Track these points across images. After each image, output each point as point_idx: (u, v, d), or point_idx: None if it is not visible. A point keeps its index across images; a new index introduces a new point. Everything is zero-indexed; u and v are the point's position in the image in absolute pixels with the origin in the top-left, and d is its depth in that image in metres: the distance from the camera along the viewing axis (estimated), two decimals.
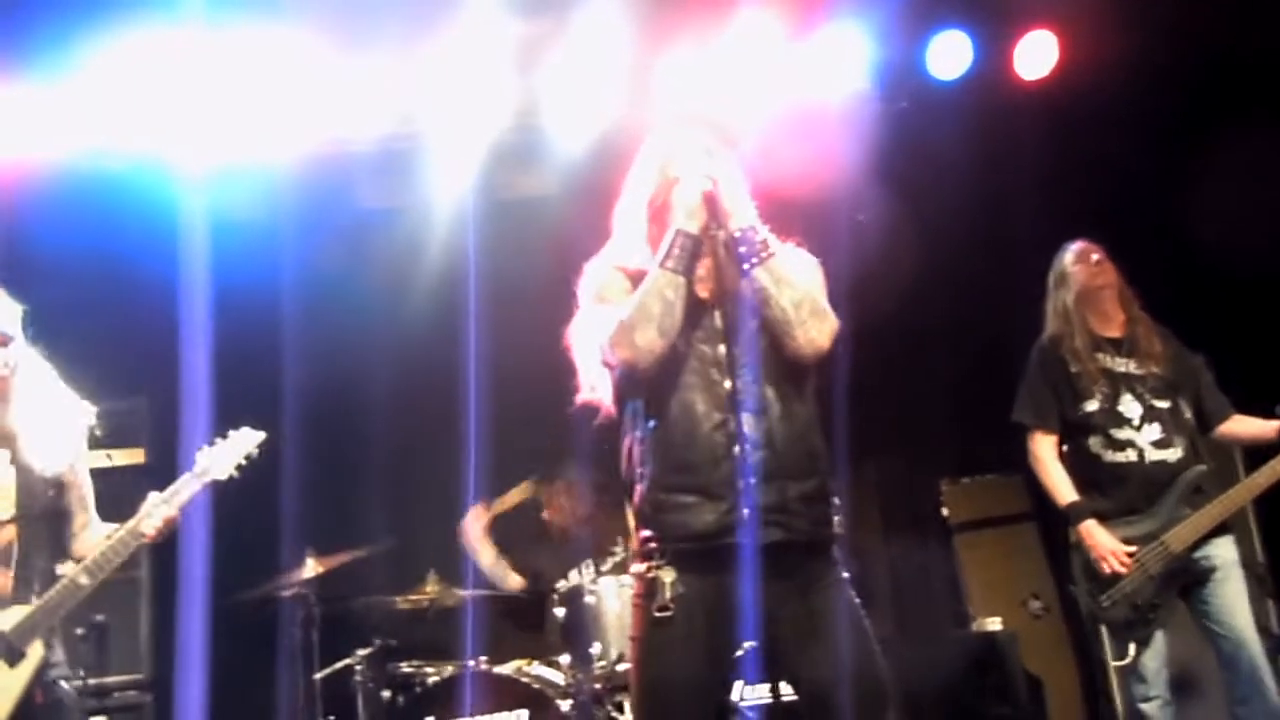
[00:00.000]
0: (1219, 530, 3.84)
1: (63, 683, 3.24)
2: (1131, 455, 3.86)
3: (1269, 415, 3.93)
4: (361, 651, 4.52)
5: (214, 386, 4.57)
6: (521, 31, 5.03)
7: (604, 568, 4.76)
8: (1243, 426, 4.00)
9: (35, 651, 3.13)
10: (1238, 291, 5.11)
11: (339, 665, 4.54)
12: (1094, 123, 5.37)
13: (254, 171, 5.09)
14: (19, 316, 3.29)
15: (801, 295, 2.62)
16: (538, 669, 4.30)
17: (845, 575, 2.71)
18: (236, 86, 4.90)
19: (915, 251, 5.60)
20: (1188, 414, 3.96)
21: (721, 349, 2.61)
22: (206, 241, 4.72)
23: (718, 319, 2.64)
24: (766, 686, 3.11)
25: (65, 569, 3.29)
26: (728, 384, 2.59)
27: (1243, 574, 3.87)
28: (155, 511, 3.27)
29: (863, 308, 5.23)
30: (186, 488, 3.34)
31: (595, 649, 4.17)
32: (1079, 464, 3.97)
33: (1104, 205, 4.91)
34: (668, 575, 2.58)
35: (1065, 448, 4.08)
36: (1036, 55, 5.43)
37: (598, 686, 4.13)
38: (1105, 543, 3.81)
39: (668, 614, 2.57)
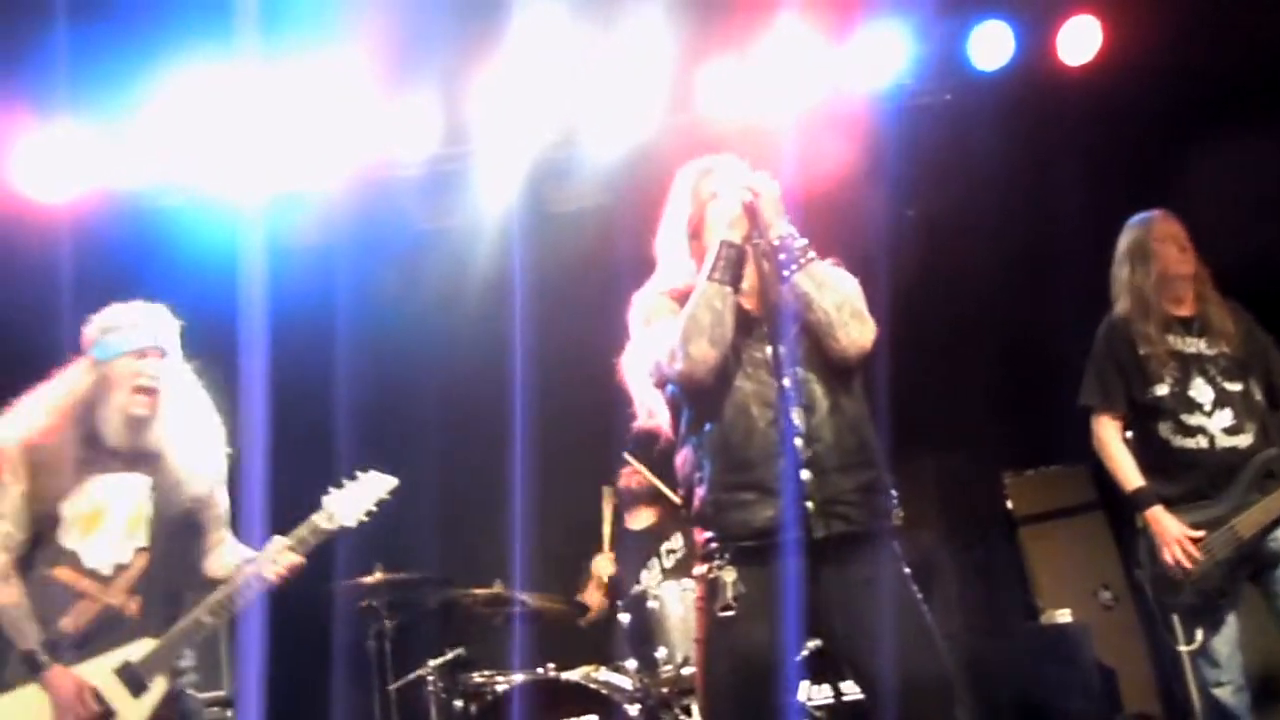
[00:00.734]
0: None
1: (190, 691, 3.30)
2: (1203, 442, 3.79)
3: None
4: (433, 662, 4.61)
5: (272, 411, 4.67)
6: (563, 45, 5.09)
7: (667, 565, 4.83)
8: None
9: (159, 686, 3.17)
10: None
11: (412, 676, 4.64)
12: (1139, 109, 5.31)
13: (309, 200, 5.21)
14: (176, 330, 3.34)
15: (842, 298, 2.71)
16: (605, 674, 4.35)
17: (906, 569, 2.74)
18: (288, 116, 5.03)
19: (963, 243, 5.58)
20: (1259, 395, 3.86)
21: (769, 351, 2.68)
22: (264, 270, 4.83)
23: (764, 325, 2.71)
24: (821, 687, 3.13)
25: (185, 587, 3.32)
26: (778, 384, 2.65)
27: None
28: (280, 558, 3.27)
29: (913, 302, 5.26)
30: (315, 534, 3.31)
31: (661, 653, 4.21)
32: (1146, 448, 3.89)
33: (1149, 193, 4.85)
34: (729, 575, 2.64)
35: (1130, 432, 3.99)
36: (1079, 41, 5.37)
37: (665, 690, 4.17)
38: (1172, 530, 3.74)
39: (730, 613, 2.62)
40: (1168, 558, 3.74)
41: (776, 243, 2.71)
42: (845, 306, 2.70)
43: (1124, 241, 4.02)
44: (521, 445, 4.87)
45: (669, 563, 4.91)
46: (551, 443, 5.07)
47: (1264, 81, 5.18)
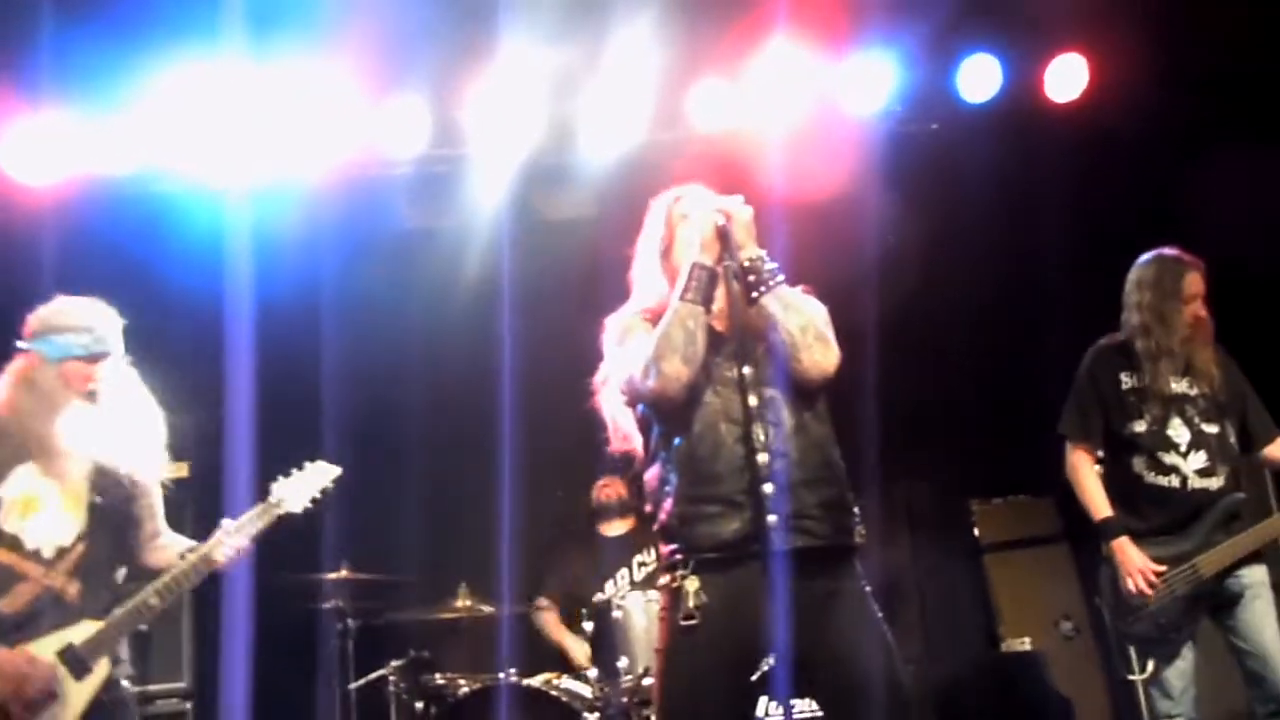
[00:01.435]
0: (1255, 557, 3.81)
1: (125, 682, 3.30)
2: (1175, 481, 3.84)
3: None
4: (395, 663, 4.62)
5: (257, 402, 4.68)
6: (556, 55, 5.13)
7: (637, 577, 4.85)
8: None
9: (102, 668, 3.19)
10: (1276, 311, 5.08)
11: (373, 676, 4.64)
12: (1124, 146, 5.38)
13: (296, 193, 5.22)
14: (120, 330, 3.38)
15: (806, 321, 2.77)
16: (567, 682, 4.37)
17: (867, 587, 2.78)
18: (279, 111, 5.04)
19: (946, 273, 5.63)
20: (1233, 438, 3.92)
21: (737, 371, 2.74)
22: (250, 261, 4.84)
23: (733, 345, 2.77)
24: (792, 701, 3.15)
25: (121, 574, 3.35)
26: (745, 401, 2.71)
27: (1272, 595, 3.84)
28: (228, 540, 3.31)
29: (890, 328, 5.32)
30: (261, 518, 3.36)
31: (623, 663, 4.24)
32: (1118, 480, 3.93)
33: (1134, 227, 4.91)
34: (691, 584, 2.67)
35: (1100, 465, 4.03)
36: (1066, 77, 5.45)
37: (625, 700, 4.19)
38: (1135, 560, 3.79)
39: (692, 622, 2.65)
40: (1129, 586, 3.79)
41: (747, 264, 2.78)
42: (810, 329, 2.76)
43: (1159, 275, 3.97)
44: (510, 450, 4.90)
45: (639, 575, 4.95)
46: (535, 448, 5.08)
47: (1246, 118, 5.26)
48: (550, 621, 5.05)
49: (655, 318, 2.82)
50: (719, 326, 2.81)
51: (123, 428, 3.35)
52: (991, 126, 5.49)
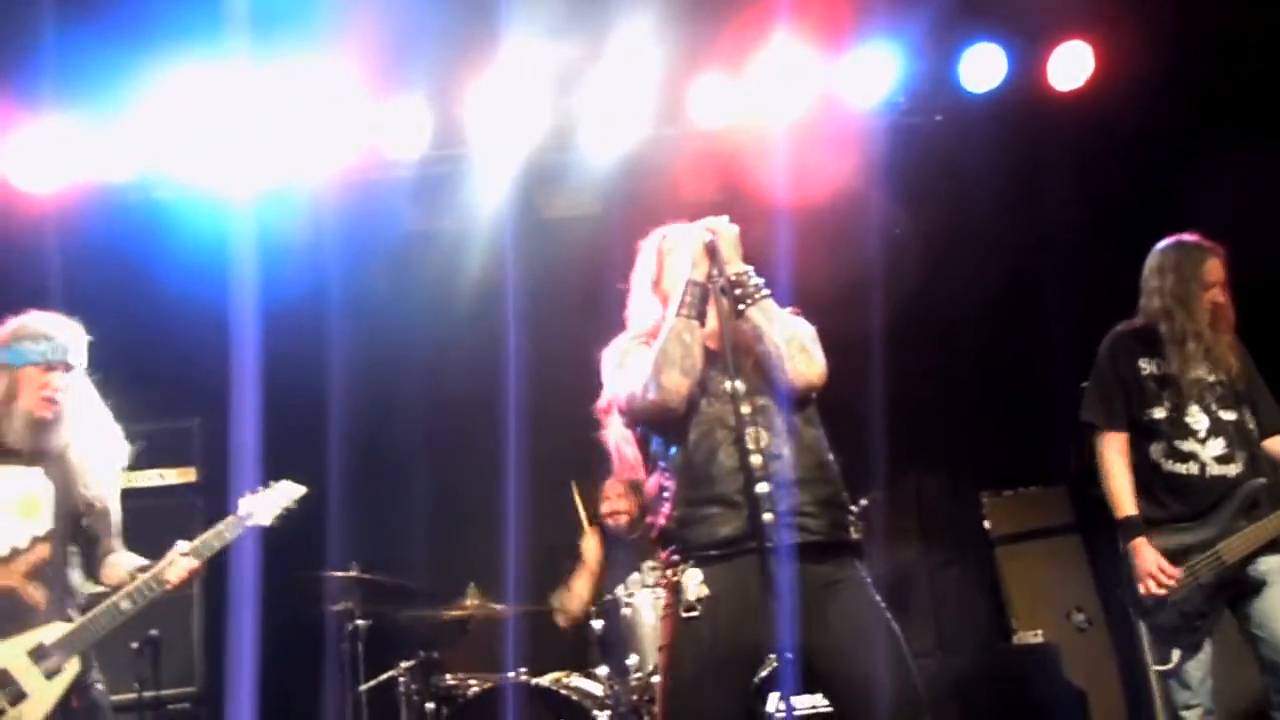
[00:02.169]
0: (1273, 545, 3.77)
1: (98, 686, 3.36)
2: (1194, 468, 3.81)
3: None
4: (405, 664, 4.62)
5: (263, 406, 4.69)
6: (558, 54, 5.12)
7: (648, 581, 4.83)
8: None
9: (72, 667, 3.24)
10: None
11: (384, 677, 4.64)
12: (1130, 134, 5.34)
13: (299, 197, 5.22)
14: (84, 345, 3.45)
15: (791, 333, 2.86)
16: (576, 680, 4.37)
17: (867, 578, 2.80)
18: (280, 114, 5.04)
19: (952, 264, 5.61)
20: (1251, 425, 3.89)
21: (730, 383, 2.81)
22: (255, 265, 4.85)
23: (724, 359, 2.83)
24: (801, 697, 3.14)
25: (91, 588, 3.41)
26: (738, 409, 2.78)
27: None
28: (179, 561, 3.38)
29: (897, 320, 5.31)
30: (230, 530, 3.46)
31: (632, 660, 4.23)
32: (1135, 467, 3.89)
33: (1139, 217, 4.88)
34: (693, 578, 2.72)
35: None
36: (1071, 66, 5.40)
37: (634, 698, 4.18)
38: (1149, 563, 3.77)
39: (694, 614, 2.69)
40: (1141, 589, 3.78)
41: (734, 278, 2.87)
42: (794, 341, 2.84)
43: (1180, 260, 3.96)
44: (515, 448, 4.90)
45: (649, 579, 4.92)
46: (540, 445, 5.07)
47: (1253, 105, 5.21)
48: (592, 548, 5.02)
49: (650, 340, 2.90)
50: (711, 344, 2.88)
51: (82, 442, 3.42)
52: (996, 116, 5.45)
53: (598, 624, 4.43)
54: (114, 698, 3.49)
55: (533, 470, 4.98)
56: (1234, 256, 4.05)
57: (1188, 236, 4.01)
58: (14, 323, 3.43)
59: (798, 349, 2.83)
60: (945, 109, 5.51)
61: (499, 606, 4.69)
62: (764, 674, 3.36)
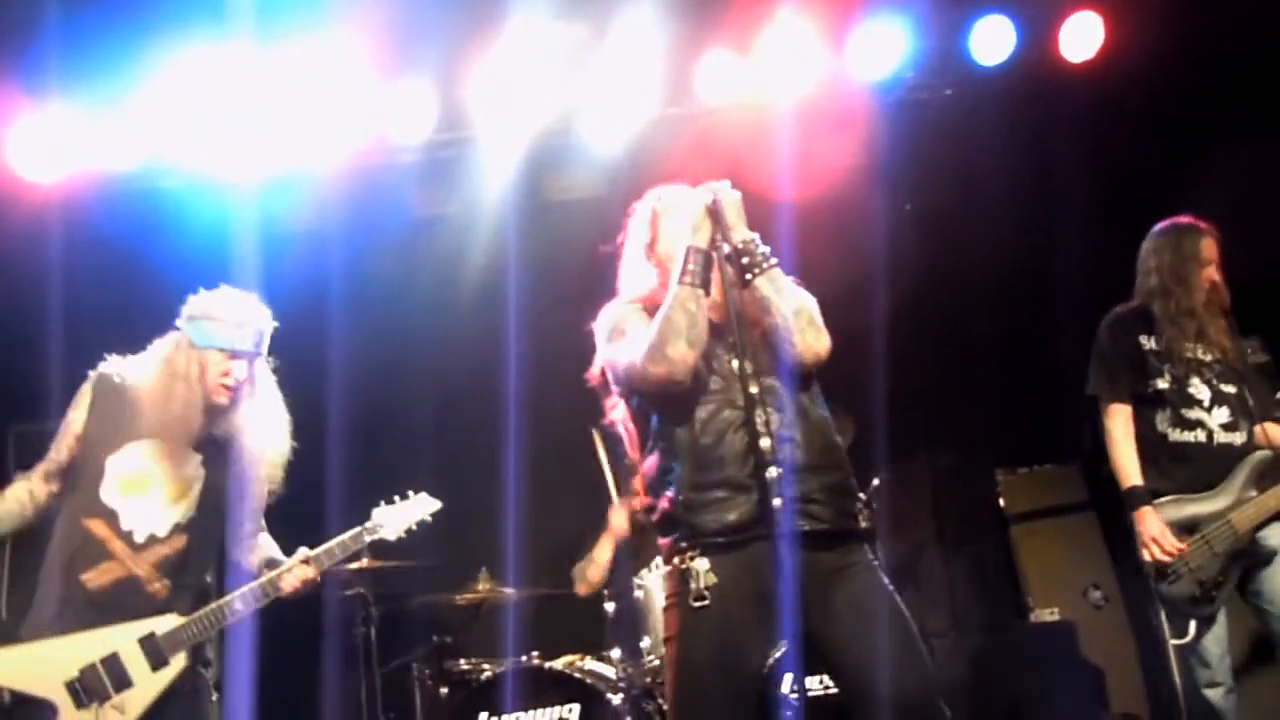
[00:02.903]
0: (1276, 518, 3.78)
1: (205, 671, 3.35)
2: (1200, 436, 3.86)
3: None
4: (419, 649, 4.61)
5: None
6: (562, 36, 5.07)
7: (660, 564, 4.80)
8: (1274, 434, 3.93)
9: (179, 662, 3.22)
10: None
11: (398, 663, 4.64)
12: (1141, 106, 5.29)
13: (303, 184, 5.20)
14: (269, 332, 3.43)
15: (799, 305, 2.76)
16: (589, 663, 4.35)
17: (876, 562, 2.75)
18: (284, 100, 5.01)
19: (963, 240, 5.56)
20: (1251, 400, 3.92)
21: (735, 358, 2.73)
22: (258, 253, 4.83)
23: (728, 333, 2.75)
24: (809, 679, 3.12)
25: (209, 575, 3.40)
26: (746, 388, 2.69)
27: None
28: (297, 570, 3.35)
29: (909, 298, 5.26)
30: (355, 541, 3.42)
31: (645, 643, 4.21)
32: (1142, 440, 3.92)
33: (1151, 190, 4.83)
34: (701, 565, 2.64)
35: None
36: (1082, 38, 5.33)
37: (648, 680, 4.16)
38: (1152, 529, 3.79)
39: (704, 603, 2.62)
40: (1145, 556, 3.78)
41: (740, 246, 2.76)
42: (803, 313, 2.75)
43: (1176, 239, 4.02)
44: (520, 433, 4.87)
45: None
46: (546, 430, 5.05)
47: (1267, 78, 5.15)
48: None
49: (647, 305, 2.80)
50: (714, 316, 2.78)
51: (253, 429, 3.37)
52: (1006, 90, 5.39)
53: (610, 606, 4.41)
54: None
55: (539, 453, 4.95)
56: (1245, 230, 4.05)
57: (1182, 218, 4.06)
58: (206, 298, 3.38)
59: (806, 321, 2.74)
60: (955, 83, 5.44)
61: (510, 591, 4.67)
62: (775, 656, 3.34)
